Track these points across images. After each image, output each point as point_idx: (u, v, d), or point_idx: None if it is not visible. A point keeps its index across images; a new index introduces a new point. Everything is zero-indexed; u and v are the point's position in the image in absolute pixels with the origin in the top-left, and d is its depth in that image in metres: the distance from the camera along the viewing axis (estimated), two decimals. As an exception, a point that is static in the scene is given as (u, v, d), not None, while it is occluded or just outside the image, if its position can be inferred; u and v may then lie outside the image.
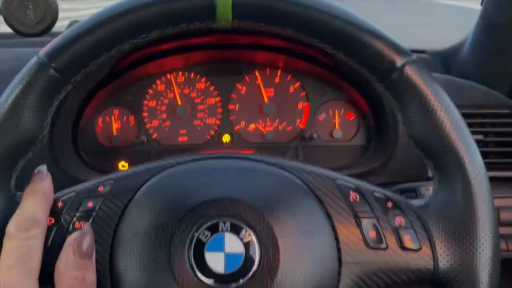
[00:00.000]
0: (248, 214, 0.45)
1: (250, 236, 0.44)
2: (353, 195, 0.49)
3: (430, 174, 0.67)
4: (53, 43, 0.47)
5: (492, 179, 0.82)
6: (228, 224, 0.44)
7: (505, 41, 0.86)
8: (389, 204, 0.49)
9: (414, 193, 0.74)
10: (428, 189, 0.73)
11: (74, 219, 0.47)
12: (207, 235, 0.44)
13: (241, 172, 0.51)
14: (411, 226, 0.48)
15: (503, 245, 0.80)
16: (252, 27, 0.49)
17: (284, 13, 0.47)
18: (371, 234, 0.47)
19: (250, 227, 0.44)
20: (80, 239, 0.45)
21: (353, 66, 0.50)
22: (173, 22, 0.48)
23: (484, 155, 0.84)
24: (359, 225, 0.48)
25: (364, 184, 0.51)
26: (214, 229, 0.44)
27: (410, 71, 0.47)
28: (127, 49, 0.49)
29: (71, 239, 0.45)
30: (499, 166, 0.84)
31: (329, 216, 0.48)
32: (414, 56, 0.48)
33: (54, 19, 0.93)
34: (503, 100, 0.89)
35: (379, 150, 0.87)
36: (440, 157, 0.48)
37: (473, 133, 0.83)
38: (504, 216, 0.80)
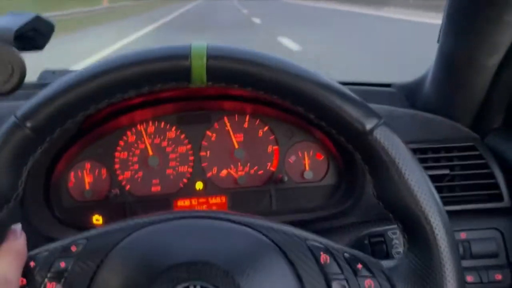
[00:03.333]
0: (219, 277, 0.46)
1: None
2: (323, 257, 0.50)
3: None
4: (29, 102, 0.48)
5: (460, 212, 0.84)
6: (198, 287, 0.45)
7: (463, 79, 0.89)
8: (359, 266, 0.50)
9: (382, 237, 0.75)
10: (395, 233, 0.75)
11: (46, 279, 0.48)
12: None
13: (213, 233, 0.51)
14: None
15: (476, 277, 0.81)
16: (226, 88, 0.51)
17: (257, 78, 0.49)
18: None
19: None
20: None
21: (324, 128, 0.51)
22: (149, 83, 0.49)
23: (451, 188, 0.86)
24: (329, 287, 0.48)
25: (334, 245, 0.52)
26: None
27: (379, 136, 0.48)
28: (103, 107, 0.50)
29: None
30: (467, 198, 0.86)
31: (299, 278, 0.49)
32: (383, 119, 0.49)
33: (22, 77, 0.93)
34: (467, 133, 0.91)
35: (349, 190, 0.88)
36: (409, 222, 0.49)
37: (440, 167, 0.86)
38: (474, 248, 0.82)
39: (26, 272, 0.48)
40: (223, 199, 0.92)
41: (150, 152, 0.91)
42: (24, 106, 0.48)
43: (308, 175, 0.92)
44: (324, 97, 0.49)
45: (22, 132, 0.48)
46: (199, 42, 0.49)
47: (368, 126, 0.48)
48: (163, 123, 0.92)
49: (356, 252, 0.51)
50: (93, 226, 0.88)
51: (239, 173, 0.93)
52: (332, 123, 0.50)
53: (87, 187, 0.90)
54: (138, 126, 0.91)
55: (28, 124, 0.47)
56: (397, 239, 0.74)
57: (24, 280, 0.48)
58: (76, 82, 0.48)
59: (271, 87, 0.49)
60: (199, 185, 0.92)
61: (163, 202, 0.91)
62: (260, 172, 0.93)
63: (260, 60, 0.49)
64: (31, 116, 0.48)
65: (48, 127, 0.49)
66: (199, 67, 0.48)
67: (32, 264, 0.49)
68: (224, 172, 0.93)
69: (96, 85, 0.48)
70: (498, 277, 0.81)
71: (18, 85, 0.92)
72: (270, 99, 0.47)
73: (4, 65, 0.94)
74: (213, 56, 0.49)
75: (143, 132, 0.91)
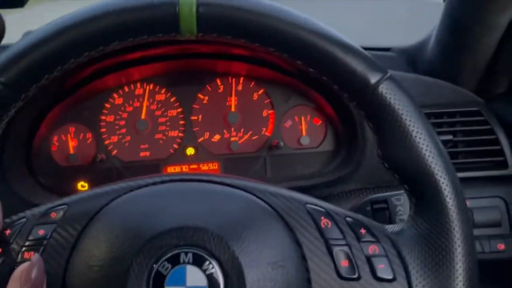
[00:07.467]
0: (212, 244, 0.42)
1: (213, 268, 0.41)
2: (324, 221, 0.46)
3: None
4: (2, 56, 0.44)
5: (463, 180, 0.81)
6: (190, 255, 0.41)
7: (470, 39, 0.84)
8: (362, 230, 0.46)
9: (385, 203, 0.72)
10: (399, 199, 0.71)
11: (24, 248, 0.44)
12: (167, 268, 0.40)
13: (205, 196, 0.47)
14: (385, 255, 0.45)
15: (478, 247, 0.78)
16: (218, 40, 0.46)
17: (253, 26, 0.44)
18: (343, 263, 0.45)
19: (214, 257, 0.41)
20: (29, 271, 0.41)
21: (325, 83, 0.47)
22: (133, 33, 0.44)
23: (454, 155, 0.83)
24: (330, 253, 0.45)
25: (336, 209, 0.48)
26: (175, 260, 0.41)
27: (385, 90, 0.45)
28: (83, 62, 0.45)
29: (18, 271, 0.41)
30: (470, 166, 0.82)
31: (299, 244, 0.45)
32: (389, 72, 0.45)
33: (1, 35, 0.88)
34: (471, 97, 0.87)
35: (348, 156, 0.84)
36: (417, 183, 0.46)
37: (442, 133, 0.83)
38: (477, 217, 0.79)
39: (2, 241, 0.44)
40: (216, 165, 0.88)
41: (140, 116, 0.87)
42: None
43: (305, 140, 0.88)
44: (325, 49, 0.44)
45: None
46: None
47: (373, 80, 0.44)
48: (152, 85, 0.87)
49: (359, 216, 0.48)
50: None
51: (232, 138, 0.89)
52: (334, 78, 0.46)
53: (71, 151, 0.85)
54: (126, 87, 0.86)
55: (1, 79, 0.43)
56: (401, 206, 0.71)
57: (0, 249, 0.44)
58: (52, 34, 0.43)
59: (267, 38, 0.45)
60: (190, 151, 0.88)
61: (152, 168, 0.87)
62: (254, 138, 0.89)
63: (257, 7, 0.44)
64: (3, 71, 0.43)
65: (23, 83, 0.44)
66: (188, 14, 0.43)
67: (7, 232, 0.45)
68: (216, 137, 0.89)
69: (74, 36, 0.43)
70: (501, 246, 0.78)
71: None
72: (265, 57, 0.42)
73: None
74: (203, 2, 0.43)
75: (131, 94, 0.86)
